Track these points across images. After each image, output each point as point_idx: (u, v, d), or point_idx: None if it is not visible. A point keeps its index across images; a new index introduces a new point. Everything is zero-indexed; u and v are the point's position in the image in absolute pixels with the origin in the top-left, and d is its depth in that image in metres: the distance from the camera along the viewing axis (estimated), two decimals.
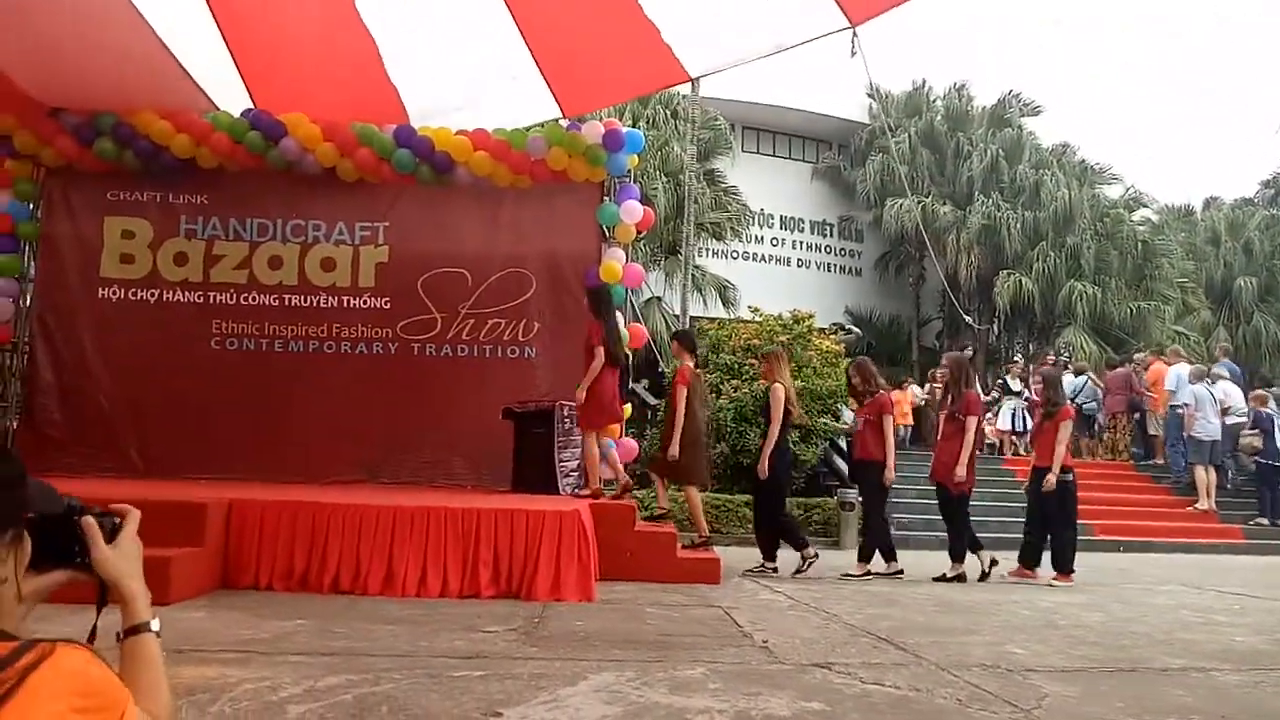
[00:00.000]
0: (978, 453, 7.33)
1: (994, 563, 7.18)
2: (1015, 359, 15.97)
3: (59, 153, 8.08)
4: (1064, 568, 7.18)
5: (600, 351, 6.70)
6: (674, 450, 6.73)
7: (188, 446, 7.91)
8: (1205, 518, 11.97)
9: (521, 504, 5.79)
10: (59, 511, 1.24)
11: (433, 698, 3.02)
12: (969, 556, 7.19)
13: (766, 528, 7.31)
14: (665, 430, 6.99)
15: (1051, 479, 7.09)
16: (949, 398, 7.46)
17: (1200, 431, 12.15)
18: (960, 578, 7.06)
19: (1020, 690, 3.38)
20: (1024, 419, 14.25)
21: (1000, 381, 15.42)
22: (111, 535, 1.27)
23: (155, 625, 1.26)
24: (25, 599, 1.20)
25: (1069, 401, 12.22)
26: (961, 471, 7.07)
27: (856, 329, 17.66)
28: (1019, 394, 14.64)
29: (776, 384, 7.16)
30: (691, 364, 7.20)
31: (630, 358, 8.31)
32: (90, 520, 1.24)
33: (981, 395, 15.75)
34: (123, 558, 1.26)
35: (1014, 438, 14.76)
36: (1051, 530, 7.37)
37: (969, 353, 15.81)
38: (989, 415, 14.28)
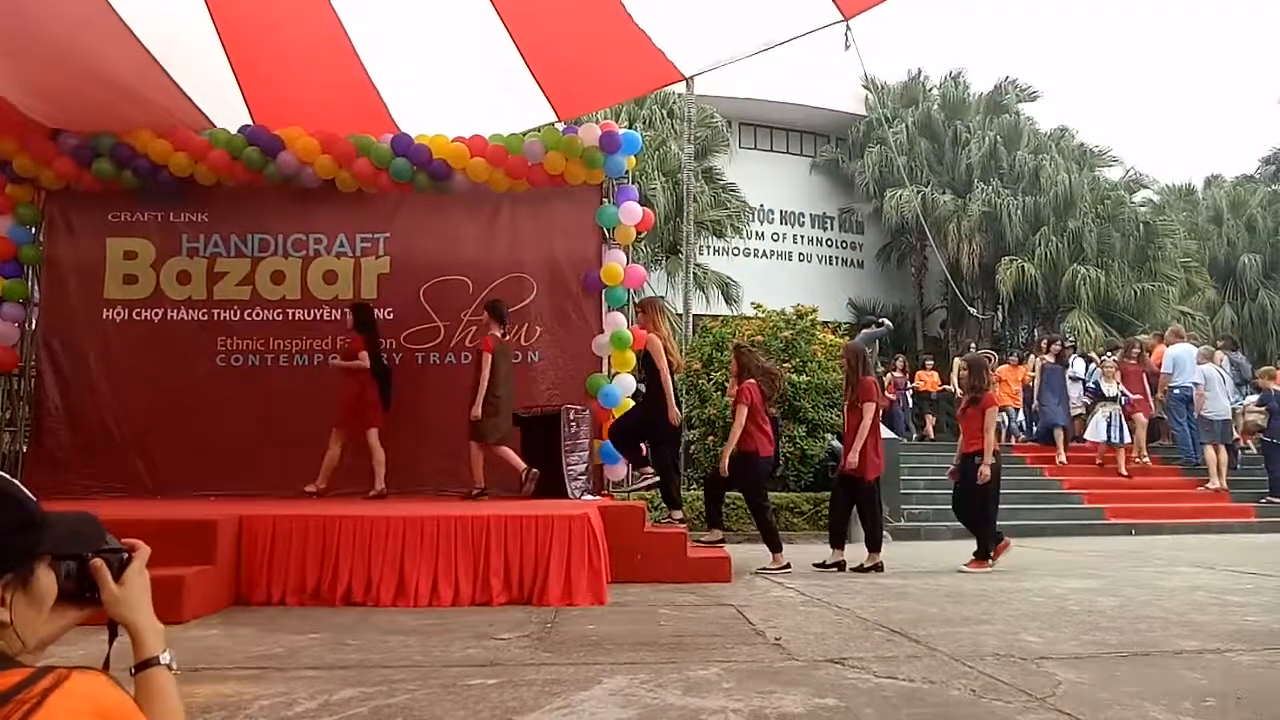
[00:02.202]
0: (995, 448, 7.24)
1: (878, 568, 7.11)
2: (1105, 355, 13.73)
3: (58, 174, 8.11)
4: (983, 554, 7.18)
5: (365, 356, 7.47)
6: (476, 411, 7.15)
7: (196, 464, 7.94)
8: (1217, 497, 11.95)
9: (530, 509, 5.80)
10: (89, 550, 1.26)
11: (448, 707, 3.03)
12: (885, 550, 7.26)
13: (661, 470, 7.25)
14: (472, 393, 7.28)
15: (985, 469, 7.04)
16: (849, 388, 7.40)
17: (1210, 411, 12.11)
18: (878, 567, 7.05)
19: (1034, 679, 3.38)
20: (1121, 427, 12.54)
21: (1091, 386, 13.31)
22: (119, 572, 1.28)
23: (165, 658, 1.28)
24: (40, 643, 1.23)
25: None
26: (854, 459, 7.04)
27: (887, 321, 17.51)
28: (1114, 399, 12.62)
29: (652, 334, 7.15)
30: (499, 334, 7.53)
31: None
32: (99, 564, 1.26)
33: (906, 375, 15.12)
34: (130, 595, 1.29)
35: (1111, 453, 12.79)
36: (971, 516, 7.35)
37: (986, 353, 15.54)
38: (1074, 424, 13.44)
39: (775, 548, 7.09)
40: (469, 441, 7.35)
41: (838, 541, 7.25)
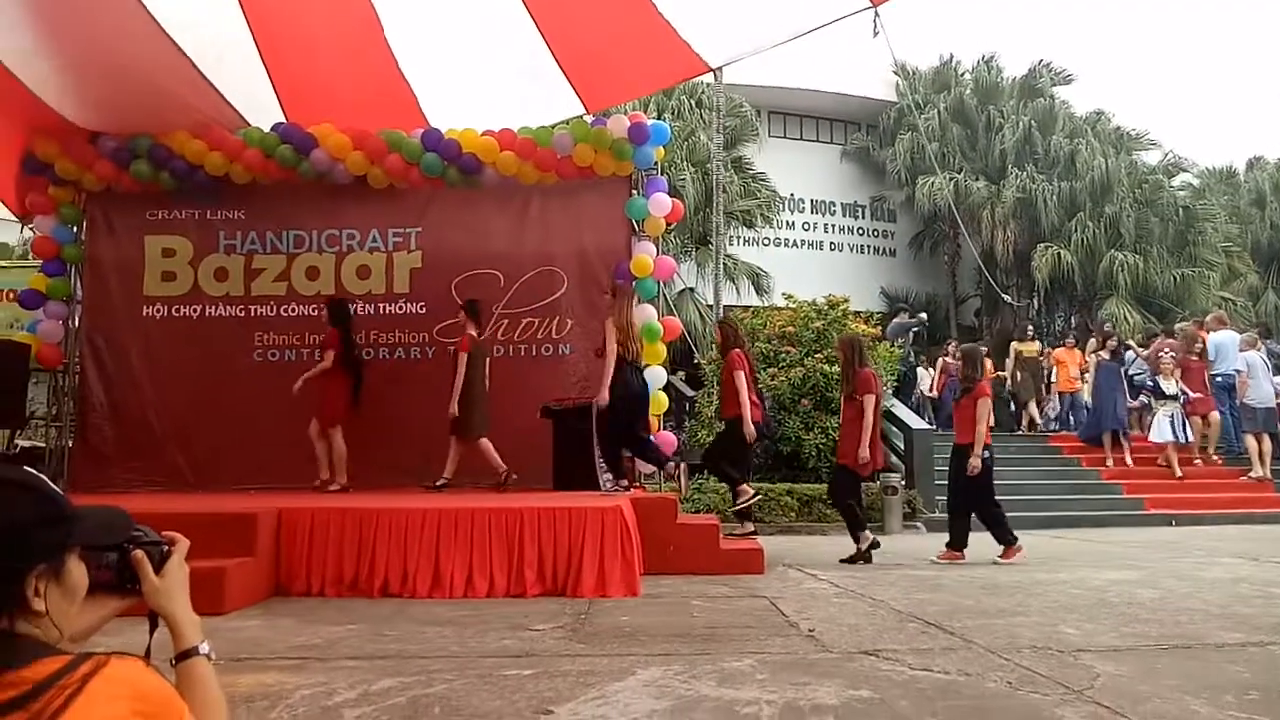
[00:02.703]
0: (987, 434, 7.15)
1: (873, 546, 7.10)
2: (1165, 352, 12.69)
3: (98, 176, 8.29)
4: (957, 545, 7.13)
5: (331, 355, 7.58)
6: (454, 408, 7.34)
7: (236, 458, 8.08)
8: (1260, 487, 11.69)
9: (564, 501, 5.83)
10: (119, 541, 1.30)
11: (484, 697, 3.07)
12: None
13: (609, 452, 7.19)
14: (450, 391, 7.45)
15: (976, 461, 6.97)
16: (845, 380, 7.34)
17: (1253, 399, 11.86)
18: (867, 555, 7.04)
19: (1071, 671, 3.35)
20: (1185, 427, 11.93)
21: (1150, 384, 12.56)
22: (160, 564, 1.32)
23: (204, 649, 1.31)
24: (83, 633, 1.27)
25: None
26: (865, 453, 7.01)
27: (923, 314, 17.20)
28: (1175, 397, 11.93)
29: (610, 322, 7.12)
30: (474, 332, 7.67)
31: (667, 350, 8.40)
32: (140, 555, 1.30)
33: (917, 370, 14.36)
34: (170, 587, 1.33)
35: (1180, 453, 12.03)
36: (971, 510, 7.26)
37: (981, 347, 15.30)
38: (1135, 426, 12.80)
39: (737, 483, 7.22)
40: (450, 437, 7.52)
41: (859, 528, 7.21)
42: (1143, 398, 12.86)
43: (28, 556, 1.11)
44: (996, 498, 7.29)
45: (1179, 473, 11.90)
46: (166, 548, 1.35)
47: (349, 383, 7.75)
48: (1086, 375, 13.75)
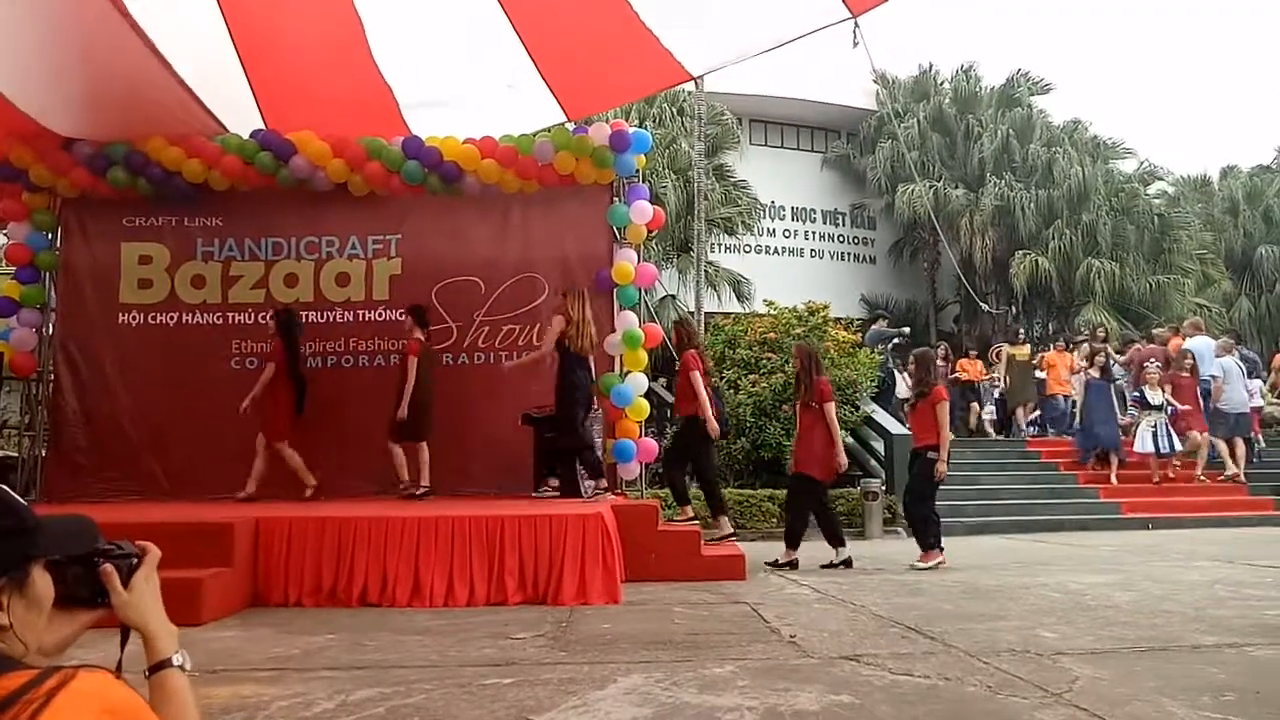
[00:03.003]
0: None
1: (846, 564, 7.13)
2: (1150, 363, 12.49)
3: (74, 183, 8.19)
4: (927, 546, 7.13)
5: (273, 367, 7.61)
6: (403, 412, 7.32)
7: (213, 466, 7.99)
8: (1235, 490, 11.84)
9: (544, 509, 5.82)
10: (86, 551, 1.28)
11: (464, 706, 3.05)
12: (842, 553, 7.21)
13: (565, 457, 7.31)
14: (397, 395, 7.44)
15: (942, 467, 7.02)
16: (801, 388, 7.37)
17: (1226, 404, 12.02)
18: (847, 562, 7.09)
19: (1050, 674, 3.37)
20: (1170, 438, 11.82)
21: (1136, 395, 12.44)
22: (129, 576, 1.30)
23: (177, 660, 1.29)
24: (57, 647, 1.25)
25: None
26: (843, 460, 7.14)
27: (905, 328, 17.08)
28: (1159, 408, 11.87)
29: (558, 316, 7.23)
30: (421, 336, 7.66)
31: (649, 356, 8.41)
32: (108, 569, 1.28)
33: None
34: (139, 598, 1.30)
35: (1159, 463, 12.03)
36: (918, 506, 7.30)
37: (939, 349, 15.08)
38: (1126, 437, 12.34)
39: (682, 501, 7.24)
40: (390, 442, 7.53)
41: (793, 542, 7.23)
42: (1131, 411, 12.61)
43: None
44: (936, 504, 7.34)
45: (1156, 478, 12.00)
46: (135, 560, 1.32)
47: (294, 395, 7.74)
48: (1076, 378, 13.57)
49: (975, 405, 15.67)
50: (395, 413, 7.36)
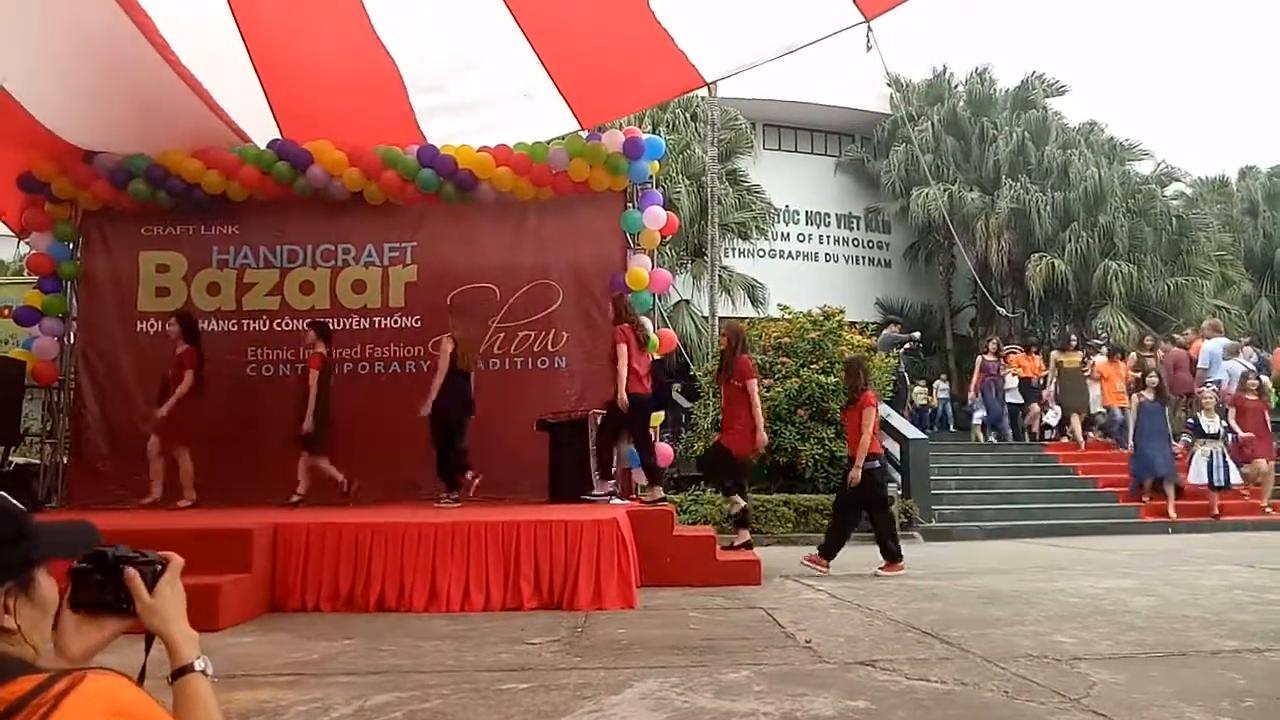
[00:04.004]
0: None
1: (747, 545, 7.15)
2: (1206, 385, 11.51)
3: (95, 196, 8.32)
4: (891, 557, 6.94)
5: (190, 375, 7.58)
6: (309, 424, 7.48)
7: (230, 473, 8.05)
8: (1252, 493, 11.70)
9: (560, 514, 5.83)
10: (85, 555, 1.30)
11: (480, 712, 3.06)
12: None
13: (440, 460, 7.35)
14: (297, 406, 7.58)
15: (856, 473, 6.89)
16: (724, 368, 7.41)
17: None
18: (748, 544, 7.10)
19: (1068, 680, 3.35)
20: (1225, 469, 10.87)
21: (1190, 422, 11.37)
22: (153, 583, 1.32)
23: (200, 665, 1.31)
24: (84, 654, 1.28)
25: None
26: (763, 437, 7.18)
27: (915, 333, 16.93)
28: (1215, 436, 10.97)
29: (448, 336, 7.35)
30: (323, 351, 7.77)
31: (663, 361, 8.42)
32: (133, 574, 1.30)
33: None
34: (164, 605, 1.32)
35: (1218, 495, 10.96)
36: (872, 519, 7.14)
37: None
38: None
39: (656, 480, 7.35)
40: (301, 451, 7.64)
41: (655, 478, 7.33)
42: (1185, 437, 11.50)
43: None
44: (890, 510, 7.29)
45: (1216, 512, 10.96)
46: (160, 567, 1.34)
47: (201, 402, 7.69)
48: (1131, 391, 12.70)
49: (1034, 406, 14.72)
50: (299, 426, 7.49)
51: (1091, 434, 13.99)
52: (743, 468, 7.52)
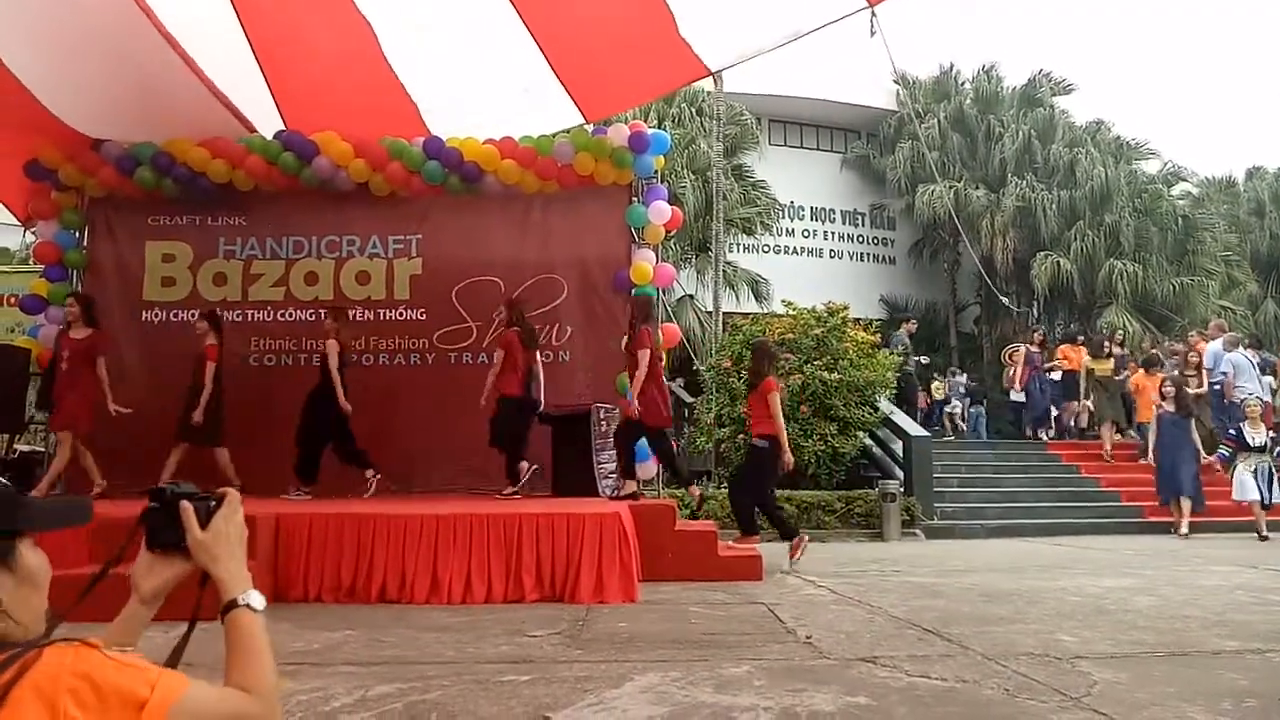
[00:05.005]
0: None
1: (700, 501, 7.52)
2: (1251, 398, 10.57)
3: (102, 183, 8.32)
4: (748, 529, 7.10)
5: (103, 361, 7.59)
6: (198, 416, 7.41)
7: (234, 463, 8.06)
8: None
9: (562, 508, 5.84)
10: (149, 494, 1.31)
11: (481, 703, 3.07)
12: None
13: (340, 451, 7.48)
14: (190, 398, 7.51)
15: (788, 457, 7.03)
16: (626, 338, 7.44)
17: (1238, 398, 11.80)
18: (634, 495, 7.07)
19: (1069, 678, 3.35)
20: (1272, 484, 9.90)
21: (1232, 433, 10.40)
22: (207, 519, 1.31)
23: (245, 599, 1.29)
24: (152, 594, 1.29)
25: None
26: (637, 404, 7.11)
27: (924, 359, 16.55)
28: (1262, 449, 10.00)
29: (331, 340, 7.46)
30: (215, 342, 7.66)
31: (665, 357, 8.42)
32: (186, 506, 1.30)
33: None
34: (215, 539, 1.30)
35: (1265, 514, 9.95)
36: (740, 493, 7.33)
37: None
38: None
39: (514, 478, 7.31)
40: (181, 443, 7.58)
41: (629, 474, 7.31)
42: (1222, 450, 10.50)
43: None
44: (768, 492, 7.34)
45: (1264, 533, 9.86)
46: (214, 502, 1.33)
47: (102, 389, 7.57)
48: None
49: (1074, 404, 13.88)
50: (189, 416, 7.42)
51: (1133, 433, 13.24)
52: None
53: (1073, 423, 14.15)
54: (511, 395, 7.32)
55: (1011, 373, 14.86)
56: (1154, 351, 13.73)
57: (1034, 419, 14.27)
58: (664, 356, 8.09)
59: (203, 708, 1.11)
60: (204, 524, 1.30)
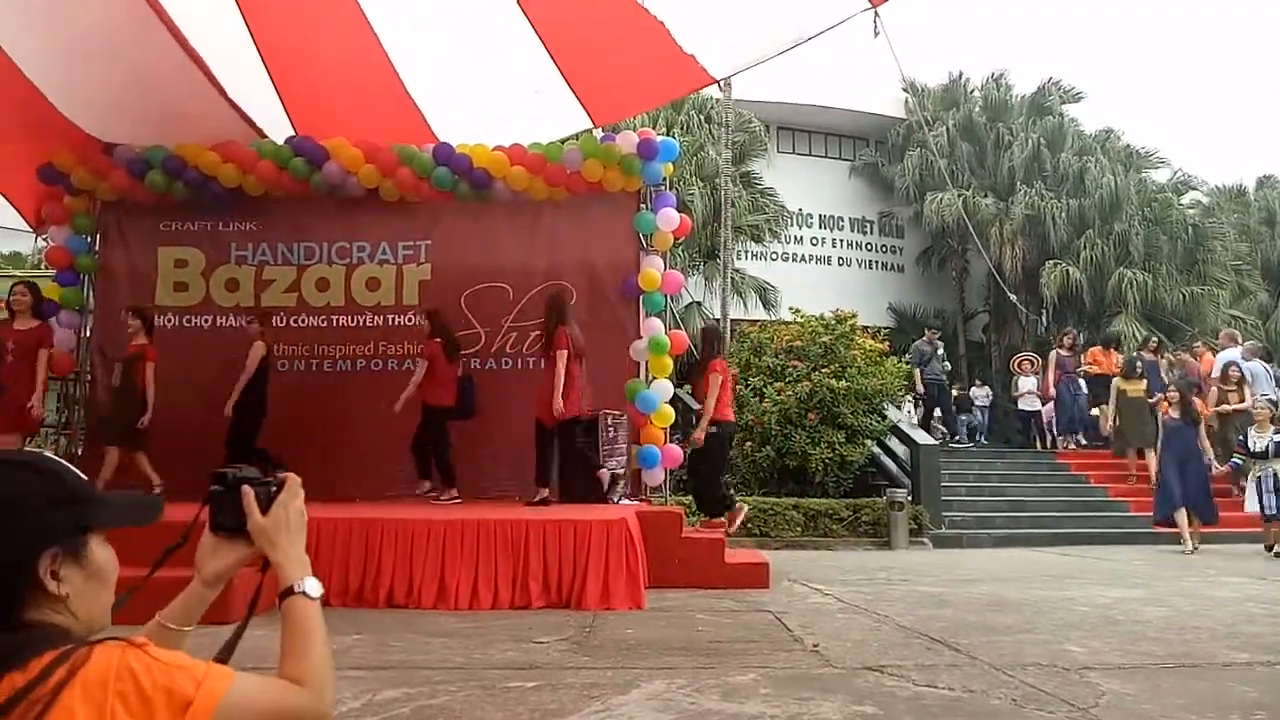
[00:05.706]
0: None
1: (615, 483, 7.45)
2: (1257, 397, 10.35)
3: (113, 187, 8.37)
4: (712, 513, 7.37)
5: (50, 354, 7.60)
6: (145, 420, 7.57)
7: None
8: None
9: (569, 514, 5.84)
10: (214, 477, 1.32)
11: (488, 709, 3.08)
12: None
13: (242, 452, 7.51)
14: (120, 400, 7.66)
15: (698, 435, 7.25)
16: (546, 339, 7.48)
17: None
18: (545, 501, 7.02)
19: (1077, 689, 3.34)
20: (1277, 495, 9.44)
21: (1240, 441, 10.09)
22: (267, 505, 1.32)
23: (302, 587, 1.29)
24: (215, 576, 1.31)
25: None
26: (559, 403, 7.10)
27: (947, 367, 16.41)
28: (1263, 454, 9.64)
29: (259, 342, 7.65)
30: (146, 341, 7.75)
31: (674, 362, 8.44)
32: (247, 490, 1.31)
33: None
34: (274, 525, 1.31)
35: (1269, 525, 9.60)
36: (701, 480, 7.54)
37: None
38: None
39: (449, 482, 7.46)
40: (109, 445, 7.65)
41: (544, 480, 7.26)
42: (1235, 459, 10.19)
43: (35, 539, 1.07)
44: (724, 479, 7.57)
45: (1274, 547, 9.60)
46: (274, 488, 1.33)
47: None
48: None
49: (1106, 407, 13.15)
50: (139, 416, 7.53)
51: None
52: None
53: (1105, 426, 13.38)
54: (438, 405, 7.51)
55: (1031, 381, 14.70)
56: (1134, 356, 13.46)
57: (1065, 425, 13.98)
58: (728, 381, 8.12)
59: (249, 701, 1.11)
60: (264, 509, 1.31)
